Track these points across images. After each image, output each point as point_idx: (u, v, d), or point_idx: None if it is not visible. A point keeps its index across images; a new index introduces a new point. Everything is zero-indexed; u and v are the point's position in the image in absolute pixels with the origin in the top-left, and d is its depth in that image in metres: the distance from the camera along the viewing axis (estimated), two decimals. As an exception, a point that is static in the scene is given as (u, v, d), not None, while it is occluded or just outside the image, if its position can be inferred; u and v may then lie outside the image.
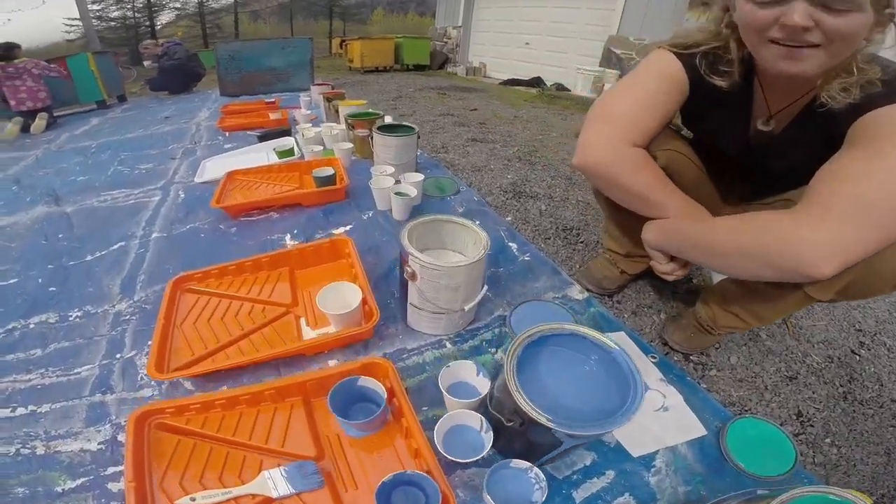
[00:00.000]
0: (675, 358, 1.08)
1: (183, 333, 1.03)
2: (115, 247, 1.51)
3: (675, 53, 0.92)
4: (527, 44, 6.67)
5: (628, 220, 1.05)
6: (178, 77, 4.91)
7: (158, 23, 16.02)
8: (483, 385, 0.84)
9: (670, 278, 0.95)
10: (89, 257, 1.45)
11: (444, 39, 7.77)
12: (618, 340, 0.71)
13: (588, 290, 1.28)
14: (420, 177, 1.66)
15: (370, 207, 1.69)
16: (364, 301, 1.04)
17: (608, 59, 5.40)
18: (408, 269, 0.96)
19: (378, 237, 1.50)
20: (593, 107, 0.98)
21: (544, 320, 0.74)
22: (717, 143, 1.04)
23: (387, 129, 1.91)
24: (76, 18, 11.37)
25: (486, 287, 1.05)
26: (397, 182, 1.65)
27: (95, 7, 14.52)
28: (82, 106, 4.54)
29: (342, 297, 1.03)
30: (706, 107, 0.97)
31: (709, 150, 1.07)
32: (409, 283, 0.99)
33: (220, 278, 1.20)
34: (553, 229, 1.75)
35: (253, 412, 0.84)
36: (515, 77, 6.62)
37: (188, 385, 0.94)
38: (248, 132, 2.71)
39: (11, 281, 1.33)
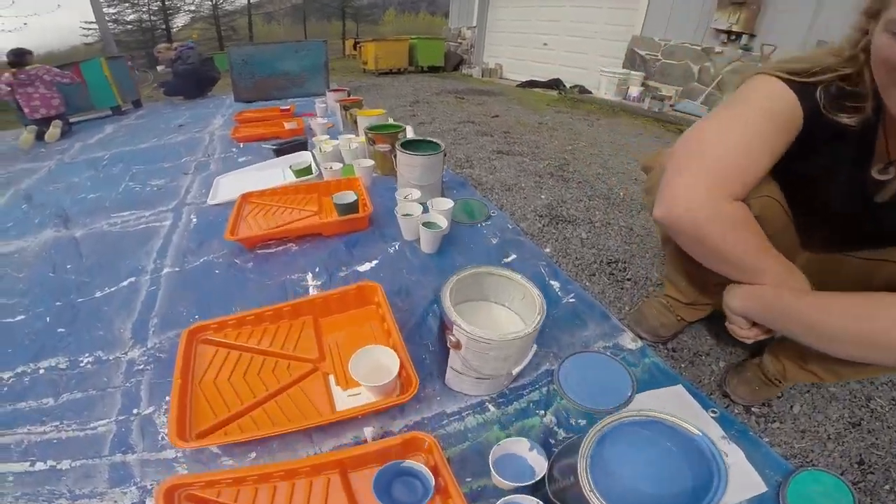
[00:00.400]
0: (736, 410, 1.01)
1: (203, 393, 0.95)
2: (125, 283, 1.39)
3: (786, 81, 0.74)
4: (545, 44, 6.45)
5: (699, 272, 0.92)
6: (192, 82, 4.82)
7: (174, 25, 16.08)
8: (537, 462, 0.77)
9: (749, 342, 0.84)
10: (98, 294, 1.35)
11: (459, 40, 7.58)
12: (677, 395, 0.74)
13: (641, 337, 1.16)
14: (449, 203, 1.50)
15: (395, 237, 1.54)
16: (402, 367, 0.90)
17: (632, 61, 5.17)
18: (451, 338, 0.83)
19: (407, 276, 1.35)
20: (684, 143, 0.80)
21: (597, 376, 0.76)
22: (820, 187, 0.87)
23: (411, 145, 1.76)
24: (92, 22, 11.43)
25: (535, 347, 0.92)
26: (424, 208, 1.50)
27: (111, 10, 14.60)
28: (97, 112, 4.47)
29: (376, 362, 0.90)
30: (817, 146, 0.79)
31: (804, 194, 0.89)
32: (452, 350, 0.85)
33: (238, 328, 1.08)
34: (597, 262, 1.58)
35: (288, 486, 0.79)
36: (533, 78, 6.40)
37: (214, 449, 0.87)
38: (263, 144, 2.58)
39: (19, 318, 1.26)
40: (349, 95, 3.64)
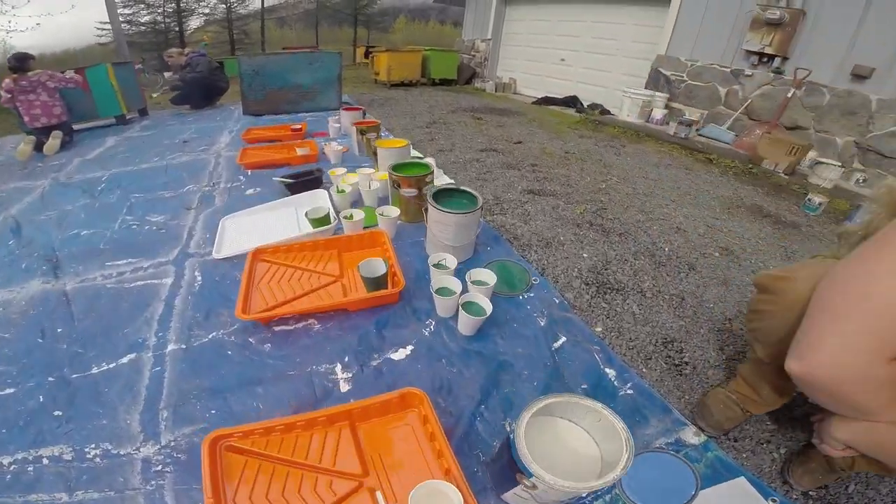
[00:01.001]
0: (794, 495, 0.99)
1: None
2: (125, 360, 1.20)
3: None
4: (562, 60, 6.23)
5: (787, 385, 0.94)
6: (201, 91, 4.61)
7: (187, 28, 15.91)
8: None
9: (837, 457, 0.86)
10: (95, 370, 1.18)
11: (472, 52, 7.36)
12: (741, 488, 0.83)
13: (704, 430, 1.11)
14: (491, 278, 1.28)
15: (429, 312, 1.32)
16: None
17: (655, 81, 4.94)
18: (525, 482, 0.73)
19: (447, 368, 1.15)
20: (830, 285, 0.69)
21: (660, 476, 0.76)
22: None
23: (443, 196, 1.53)
24: (106, 22, 11.26)
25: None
26: (459, 277, 1.27)
27: (126, 11, 14.44)
28: (101, 120, 4.27)
29: (435, 496, 0.78)
30: None
31: None
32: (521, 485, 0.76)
33: (266, 436, 0.95)
34: (652, 343, 1.38)
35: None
36: (549, 95, 6.19)
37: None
38: (274, 177, 2.36)
39: (8, 391, 1.12)
40: (364, 116, 3.43)
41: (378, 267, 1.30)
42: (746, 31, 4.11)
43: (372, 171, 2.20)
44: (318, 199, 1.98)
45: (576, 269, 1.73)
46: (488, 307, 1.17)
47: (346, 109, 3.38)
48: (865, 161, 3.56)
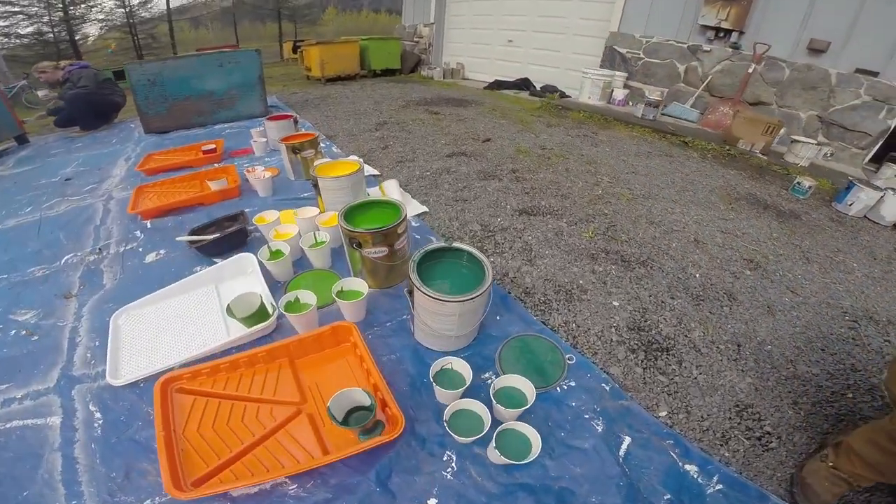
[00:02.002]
0: None
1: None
2: None
3: None
4: (510, 41, 5.77)
5: None
6: (87, 109, 3.65)
7: (87, 35, 13.50)
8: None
9: None
10: None
11: (415, 39, 6.71)
12: None
13: None
14: (529, 391, 0.81)
15: (441, 438, 0.88)
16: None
17: (611, 60, 4.63)
18: None
19: None
20: None
21: None
22: None
23: (431, 263, 1.02)
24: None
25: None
26: (473, 388, 0.79)
27: (1, 23, 11.97)
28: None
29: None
30: None
31: None
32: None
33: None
34: (726, 416, 1.09)
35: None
36: (500, 78, 5.75)
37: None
38: (180, 222, 1.72)
39: None
40: (297, 125, 2.77)
41: (361, 398, 0.80)
42: (702, 5, 3.87)
43: (315, 211, 1.62)
44: (245, 270, 1.39)
45: (612, 329, 1.30)
46: (535, 445, 0.74)
47: (272, 119, 2.71)
48: (830, 135, 3.47)
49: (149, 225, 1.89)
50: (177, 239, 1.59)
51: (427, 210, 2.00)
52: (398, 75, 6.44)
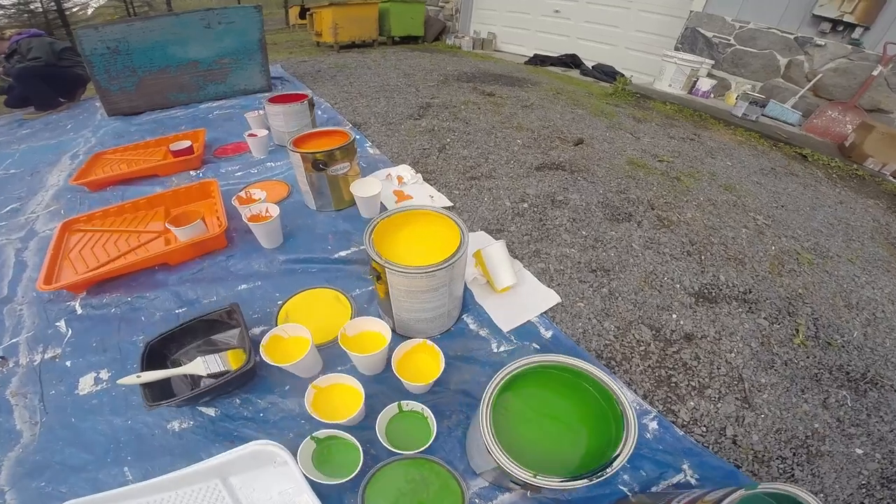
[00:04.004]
0: None
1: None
2: None
3: None
4: (556, 11, 4.78)
5: None
6: (41, 86, 2.74)
7: (77, 4, 11.57)
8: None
9: None
10: None
11: (440, 3, 5.62)
12: None
13: None
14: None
15: None
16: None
17: (692, 42, 3.73)
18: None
19: None
20: None
21: None
22: None
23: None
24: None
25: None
26: None
27: None
28: None
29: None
30: None
31: None
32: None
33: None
34: None
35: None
36: (540, 52, 4.84)
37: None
38: (134, 301, 0.96)
39: None
40: (312, 107, 1.90)
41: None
42: None
43: (377, 325, 0.86)
44: (270, 460, 0.65)
45: (863, 489, 0.63)
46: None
47: (277, 101, 1.85)
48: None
49: (79, 308, 1.09)
50: (119, 382, 0.82)
51: (560, 300, 1.22)
52: (420, 43, 5.42)
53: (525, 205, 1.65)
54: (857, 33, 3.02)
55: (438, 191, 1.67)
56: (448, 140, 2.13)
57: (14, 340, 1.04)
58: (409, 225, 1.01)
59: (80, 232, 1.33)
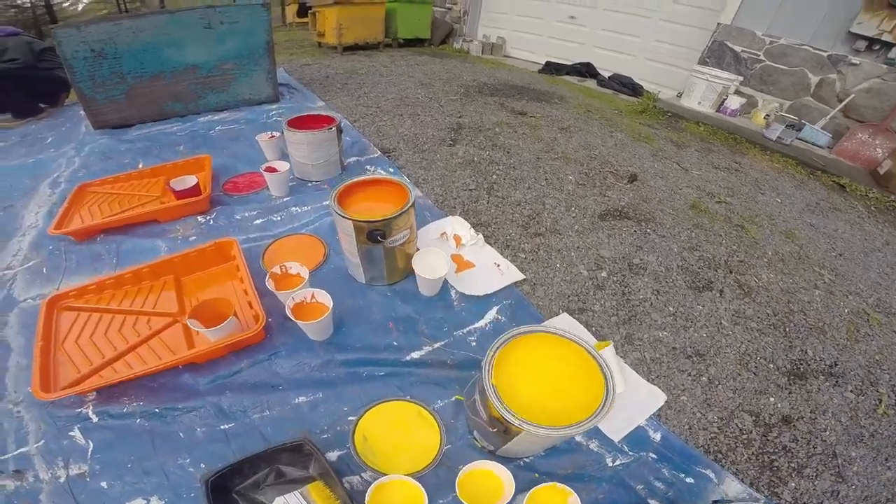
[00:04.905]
0: None
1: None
2: None
3: None
4: (572, 17, 4.56)
5: None
6: (17, 92, 2.38)
7: (67, 0, 10.55)
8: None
9: None
10: None
11: (447, 5, 5.33)
12: None
13: None
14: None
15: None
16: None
17: (718, 56, 3.57)
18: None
19: None
20: None
21: None
22: None
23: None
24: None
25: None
26: None
27: None
28: None
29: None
30: None
31: None
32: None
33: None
34: None
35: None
36: (552, 59, 4.65)
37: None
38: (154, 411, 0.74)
39: None
40: (340, 133, 1.61)
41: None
42: (860, 10, 2.87)
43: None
44: None
45: None
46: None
47: (298, 125, 1.56)
48: None
49: (92, 415, 0.83)
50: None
51: (666, 398, 1.04)
52: (427, 46, 5.14)
53: (603, 273, 1.45)
54: (893, 52, 2.90)
55: (502, 253, 1.44)
56: (494, 176, 1.88)
57: (22, 450, 0.80)
58: (527, 352, 0.79)
59: (72, 311, 1.03)
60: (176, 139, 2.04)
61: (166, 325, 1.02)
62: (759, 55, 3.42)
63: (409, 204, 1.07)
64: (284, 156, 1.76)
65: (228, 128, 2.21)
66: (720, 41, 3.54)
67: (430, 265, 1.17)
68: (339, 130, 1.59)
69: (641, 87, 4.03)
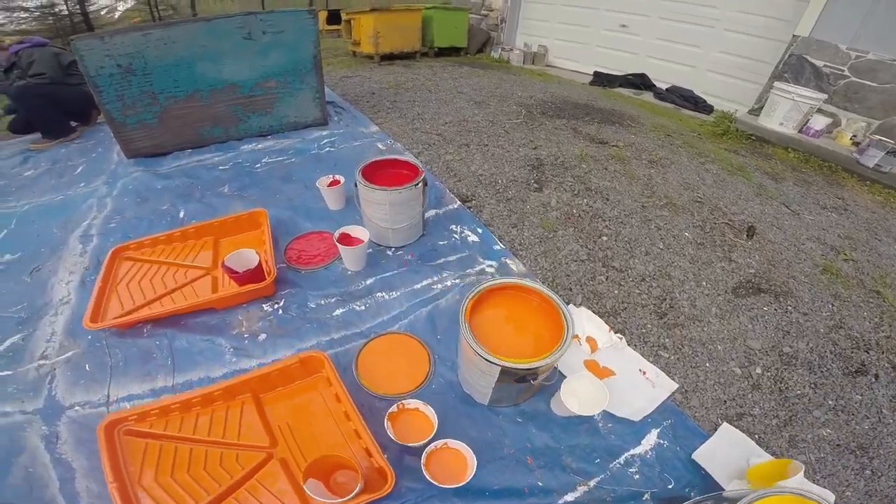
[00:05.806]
0: None
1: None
2: None
3: None
4: (623, 26, 4.23)
5: None
6: (47, 109, 2.13)
7: (103, 7, 10.23)
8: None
9: None
10: None
11: (483, 12, 5.01)
12: None
13: None
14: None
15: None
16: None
17: (796, 72, 3.22)
18: None
19: None
20: None
21: None
22: None
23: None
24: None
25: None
26: None
27: None
28: None
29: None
30: None
31: None
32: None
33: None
34: None
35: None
36: (600, 70, 4.34)
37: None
38: None
39: None
40: (426, 185, 1.31)
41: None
42: None
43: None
44: None
45: None
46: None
47: (374, 174, 1.25)
48: None
49: None
50: None
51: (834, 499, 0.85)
52: (464, 55, 4.83)
53: (757, 370, 1.18)
54: None
55: (641, 352, 1.14)
56: (604, 238, 1.56)
57: None
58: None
59: (136, 437, 0.79)
60: (219, 176, 1.76)
61: (261, 462, 0.80)
62: (843, 70, 3.07)
63: (569, 337, 0.78)
64: (350, 203, 1.47)
65: (276, 160, 1.92)
66: (798, 55, 3.19)
67: (584, 395, 0.89)
68: (425, 184, 1.28)
69: (704, 100, 3.69)
